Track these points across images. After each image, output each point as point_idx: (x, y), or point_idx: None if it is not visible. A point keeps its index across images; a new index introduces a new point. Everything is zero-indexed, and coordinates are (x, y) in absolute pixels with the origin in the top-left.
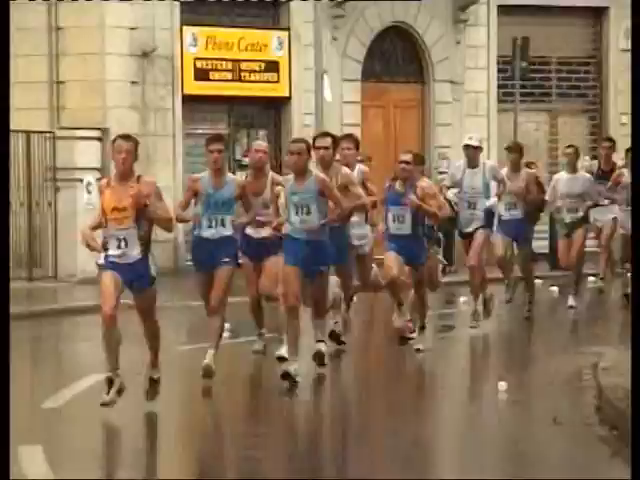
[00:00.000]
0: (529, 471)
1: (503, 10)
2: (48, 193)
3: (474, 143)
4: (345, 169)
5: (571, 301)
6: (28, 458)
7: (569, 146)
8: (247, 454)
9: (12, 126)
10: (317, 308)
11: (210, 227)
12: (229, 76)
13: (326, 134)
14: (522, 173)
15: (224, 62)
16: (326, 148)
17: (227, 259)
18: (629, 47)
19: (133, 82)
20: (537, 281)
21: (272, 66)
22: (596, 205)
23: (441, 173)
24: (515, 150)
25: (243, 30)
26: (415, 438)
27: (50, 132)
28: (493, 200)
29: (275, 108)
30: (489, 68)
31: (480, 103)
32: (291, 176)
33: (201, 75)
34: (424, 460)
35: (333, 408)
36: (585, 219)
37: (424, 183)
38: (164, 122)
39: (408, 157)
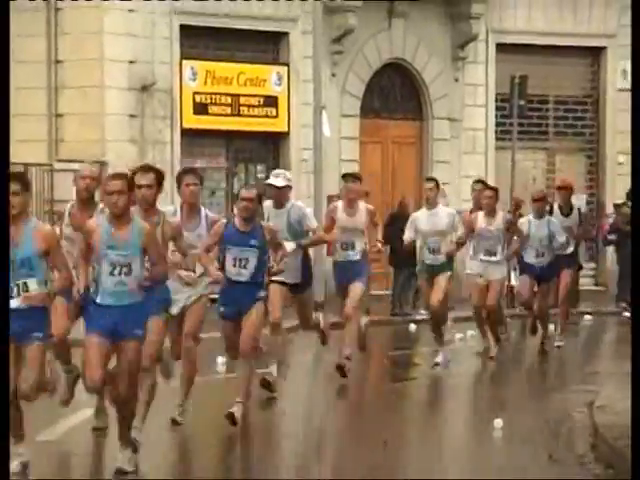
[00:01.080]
0: None
1: (501, 48)
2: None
3: (278, 183)
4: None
5: (439, 358)
6: None
7: (429, 179)
8: None
9: (10, 158)
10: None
11: (12, 296)
12: (228, 110)
13: (149, 168)
14: (360, 207)
15: (223, 96)
16: (149, 186)
17: (37, 334)
18: (626, 87)
19: (132, 115)
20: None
21: (271, 101)
22: (461, 244)
23: None
24: (354, 180)
25: (242, 65)
26: (408, 476)
27: (48, 164)
28: (291, 245)
29: (273, 143)
30: (487, 106)
31: (478, 140)
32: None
33: (200, 109)
34: None
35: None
36: (449, 263)
37: (269, 223)
38: (162, 155)
39: (252, 194)
